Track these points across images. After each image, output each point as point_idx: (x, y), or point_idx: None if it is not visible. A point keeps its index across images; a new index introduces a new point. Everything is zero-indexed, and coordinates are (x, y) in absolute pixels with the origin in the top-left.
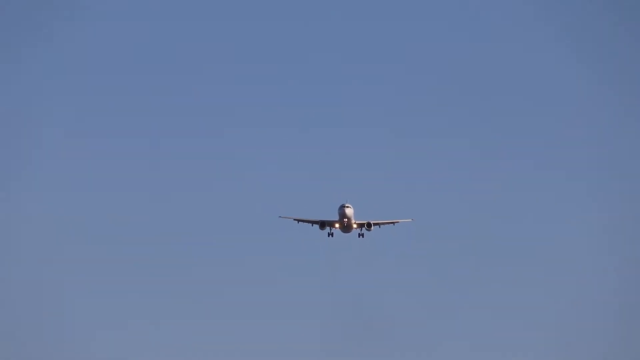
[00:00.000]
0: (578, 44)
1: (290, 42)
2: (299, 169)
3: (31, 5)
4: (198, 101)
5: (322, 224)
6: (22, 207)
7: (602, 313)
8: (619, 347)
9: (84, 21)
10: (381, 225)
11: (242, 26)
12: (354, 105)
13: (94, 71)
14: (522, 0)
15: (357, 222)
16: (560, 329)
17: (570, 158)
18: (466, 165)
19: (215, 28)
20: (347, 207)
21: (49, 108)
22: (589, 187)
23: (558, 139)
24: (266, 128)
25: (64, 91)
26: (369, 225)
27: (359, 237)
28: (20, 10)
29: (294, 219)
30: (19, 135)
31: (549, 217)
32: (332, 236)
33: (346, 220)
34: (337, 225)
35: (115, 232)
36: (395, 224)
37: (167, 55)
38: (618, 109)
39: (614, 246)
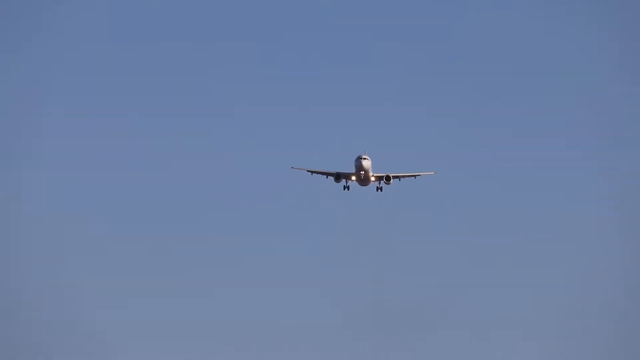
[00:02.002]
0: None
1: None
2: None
3: None
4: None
5: (338, 176)
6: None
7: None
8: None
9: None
10: (401, 179)
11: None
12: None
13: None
14: None
15: (375, 174)
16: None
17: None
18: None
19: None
20: (365, 158)
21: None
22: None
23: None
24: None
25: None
26: (387, 178)
27: (377, 190)
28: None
29: (308, 170)
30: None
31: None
32: (348, 189)
33: (363, 172)
34: (353, 177)
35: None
36: (417, 177)
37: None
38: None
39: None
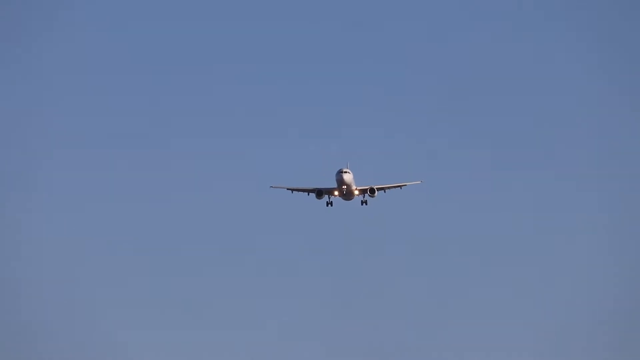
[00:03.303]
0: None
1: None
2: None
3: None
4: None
5: (319, 193)
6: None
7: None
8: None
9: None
10: (386, 190)
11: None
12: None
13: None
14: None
15: (358, 188)
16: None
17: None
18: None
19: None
20: (346, 172)
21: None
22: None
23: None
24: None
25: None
26: (371, 191)
27: (361, 204)
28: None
29: (287, 188)
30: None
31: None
32: (332, 205)
33: (345, 187)
34: (336, 193)
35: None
36: (403, 187)
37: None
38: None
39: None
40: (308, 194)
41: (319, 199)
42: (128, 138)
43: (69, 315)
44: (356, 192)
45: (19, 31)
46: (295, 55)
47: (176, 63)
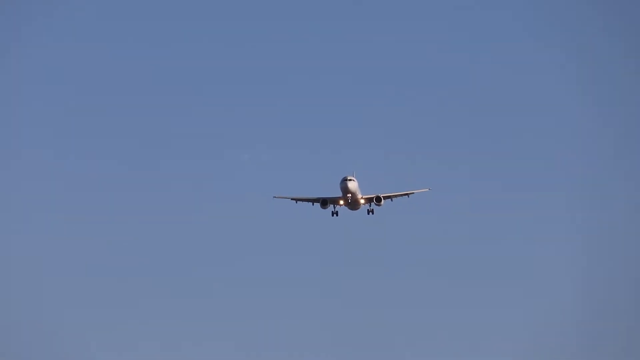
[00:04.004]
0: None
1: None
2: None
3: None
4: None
5: (324, 202)
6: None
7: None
8: None
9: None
10: (393, 199)
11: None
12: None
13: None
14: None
15: (364, 196)
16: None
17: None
18: None
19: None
20: (350, 179)
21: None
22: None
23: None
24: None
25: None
26: (378, 199)
27: (368, 214)
28: None
29: (292, 198)
30: None
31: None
32: (337, 215)
33: (350, 195)
34: (341, 202)
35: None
36: (410, 195)
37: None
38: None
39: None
40: (312, 204)
41: (324, 208)
42: (128, 138)
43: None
44: (362, 201)
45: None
46: (300, 57)
47: (176, 63)
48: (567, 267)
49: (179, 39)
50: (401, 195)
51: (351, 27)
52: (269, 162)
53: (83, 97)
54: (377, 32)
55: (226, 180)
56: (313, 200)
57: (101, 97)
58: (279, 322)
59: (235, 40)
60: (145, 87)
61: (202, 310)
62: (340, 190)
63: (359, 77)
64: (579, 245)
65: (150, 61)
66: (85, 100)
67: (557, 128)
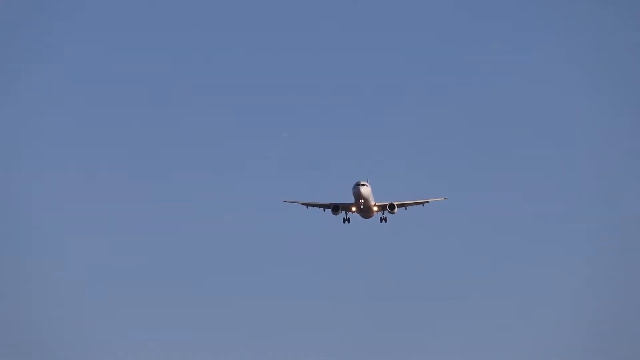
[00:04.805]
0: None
1: None
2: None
3: None
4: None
5: (335, 208)
6: None
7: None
8: None
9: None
10: (407, 207)
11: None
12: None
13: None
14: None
15: (377, 203)
16: None
17: None
18: None
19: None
20: (363, 184)
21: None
22: None
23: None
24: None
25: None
26: (391, 207)
27: (381, 221)
28: None
29: (302, 203)
30: None
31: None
32: (349, 222)
33: (362, 201)
34: (353, 208)
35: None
36: (425, 204)
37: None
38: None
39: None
40: (324, 210)
41: (335, 214)
42: (131, 137)
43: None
44: (375, 208)
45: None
46: (312, 63)
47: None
48: (582, 273)
49: (189, 46)
50: (416, 203)
51: (372, 34)
52: (280, 165)
53: (94, 106)
54: (400, 41)
55: (235, 182)
56: (324, 206)
57: (107, 105)
58: (281, 331)
59: (246, 44)
60: (146, 90)
61: (202, 317)
62: (352, 196)
63: (370, 82)
64: (595, 250)
65: (154, 67)
66: (96, 109)
67: (573, 136)
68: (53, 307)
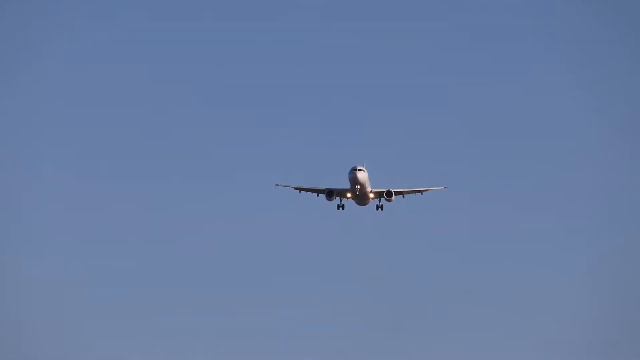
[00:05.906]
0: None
1: None
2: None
3: None
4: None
5: (330, 193)
6: None
7: None
8: None
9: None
10: (405, 195)
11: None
12: None
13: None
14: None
15: (374, 190)
16: None
17: None
18: None
19: None
20: (360, 169)
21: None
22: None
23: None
24: None
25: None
26: (388, 194)
27: (377, 209)
28: None
29: (295, 188)
30: None
31: None
32: (343, 208)
33: (358, 187)
34: (348, 194)
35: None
36: (424, 192)
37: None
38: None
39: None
40: (317, 195)
41: (330, 200)
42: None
43: None
44: (371, 195)
45: None
46: (310, 52)
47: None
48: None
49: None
50: (414, 191)
51: (375, 29)
52: (275, 151)
53: (94, 106)
54: (403, 34)
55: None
56: (318, 191)
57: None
58: (273, 324)
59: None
60: (148, 92)
61: (194, 309)
62: (348, 181)
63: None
64: (595, 250)
65: (154, 67)
66: (96, 109)
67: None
68: (52, 307)
